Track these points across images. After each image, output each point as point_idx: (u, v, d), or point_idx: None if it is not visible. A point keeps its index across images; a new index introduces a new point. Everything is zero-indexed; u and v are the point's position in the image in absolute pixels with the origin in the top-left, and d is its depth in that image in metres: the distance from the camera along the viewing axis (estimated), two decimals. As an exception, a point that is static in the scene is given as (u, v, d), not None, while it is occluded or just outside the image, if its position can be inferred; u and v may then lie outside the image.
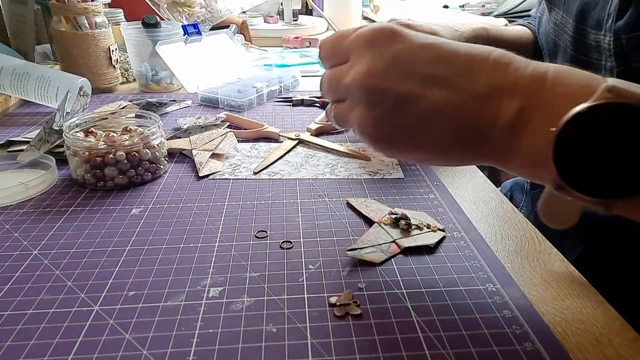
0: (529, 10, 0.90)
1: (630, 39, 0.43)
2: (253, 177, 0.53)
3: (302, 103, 0.79)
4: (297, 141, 0.62)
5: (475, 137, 0.30)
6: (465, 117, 0.29)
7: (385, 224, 0.42)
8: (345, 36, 0.33)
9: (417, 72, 0.30)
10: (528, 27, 0.70)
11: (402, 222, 0.42)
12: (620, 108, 0.24)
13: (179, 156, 0.59)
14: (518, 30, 0.69)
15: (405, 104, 0.30)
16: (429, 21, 0.57)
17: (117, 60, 0.86)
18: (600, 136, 0.24)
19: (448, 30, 0.58)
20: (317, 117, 0.68)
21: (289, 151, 0.60)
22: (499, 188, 0.77)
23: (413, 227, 0.42)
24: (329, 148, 0.60)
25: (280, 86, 0.85)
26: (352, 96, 0.32)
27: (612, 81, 0.24)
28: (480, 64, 0.29)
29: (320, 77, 0.36)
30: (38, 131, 0.56)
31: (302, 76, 0.92)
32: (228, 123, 0.66)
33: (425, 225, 0.42)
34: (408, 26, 0.39)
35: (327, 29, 1.45)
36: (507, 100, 0.28)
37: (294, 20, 1.44)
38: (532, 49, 0.67)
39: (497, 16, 1.50)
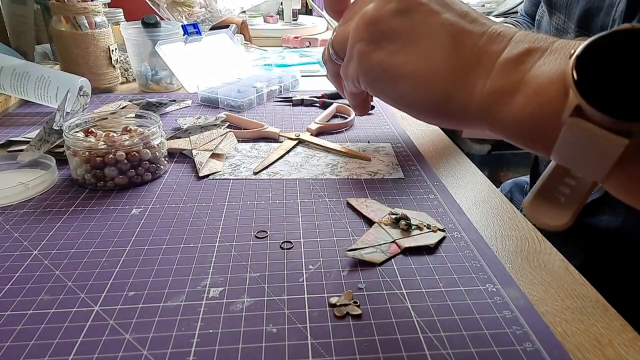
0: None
1: None
2: (253, 177, 0.53)
3: (302, 103, 0.79)
4: (297, 141, 0.62)
5: (471, 64, 0.27)
6: (464, 40, 0.28)
7: (385, 224, 0.42)
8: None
9: (382, 31, 0.30)
10: (514, 25, 0.70)
11: (402, 222, 0.42)
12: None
13: (179, 156, 0.59)
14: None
15: (408, 11, 0.30)
16: None
17: (117, 60, 0.86)
18: (620, 59, 0.22)
19: None
20: (317, 117, 0.68)
21: (288, 151, 0.60)
22: (499, 189, 0.77)
23: (413, 227, 0.42)
24: (329, 148, 0.60)
25: (280, 86, 0.84)
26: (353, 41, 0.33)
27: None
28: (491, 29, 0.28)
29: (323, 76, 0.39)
30: (38, 131, 0.56)
31: (302, 76, 0.92)
32: (228, 123, 0.66)
33: (425, 226, 0.42)
34: None
35: (327, 29, 1.45)
36: (515, 43, 0.27)
37: (293, 20, 1.44)
38: None
39: (497, 16, 1.50)
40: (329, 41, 0.38)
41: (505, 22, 0.76)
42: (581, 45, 0.23)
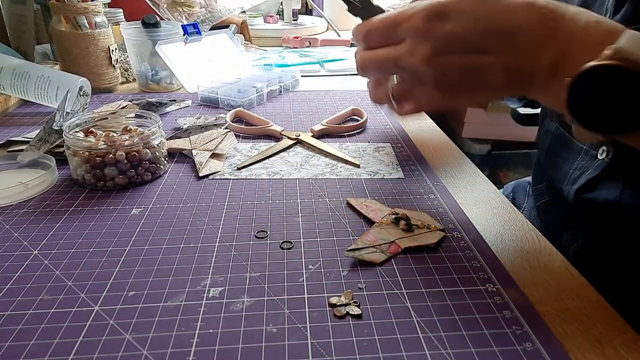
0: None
1: None
2: (253, 177, 0.53)
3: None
4: (294, 142, 0.62)
5: (522, 83, 0.36)
6: (514, 71, 0.35)
7: (385, 224, 0.42)
8: (395, 22, 0.38)
9: (471, 45, 0.35)
10: None
11: (402, 222, 0.42)
12: (618, 70, 0.30)
13: (179, 156, 0.59)
14: None
15: (467, 73, 0.36)
16: None
17: (117, 60, 0.86)
18: (602, 88, 0.31)
19: None
20: (330, 117, 0.68)
21: (280, 152, 0.59)
22: (501, 190, 0.77)
23: (413, 227, 0.42)
24: (323, 150, 0.59)
25: (280, 86, 0.85)
26: (416, 74, 0.38)
27: (624, 41, 0.30)
28: (525, 26, 0.35)
29: (354, 55, 0.43)
30: (38, 131, 0.56)
31: (302, 76, 0.92)
32: (228, 123, 0.66)
33: (425, 225, 0.42)
34: None
35: (327, 29, 1.45)
36: (547, 50, 0.34)
37: (293, 20, 1.44)
38: None
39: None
40: (391, 59, 0.39)
41: None
42: (574, 74, 0.31)
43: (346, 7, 0.44)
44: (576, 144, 0.53)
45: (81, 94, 0.61)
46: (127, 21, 0.96)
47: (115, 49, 0.86)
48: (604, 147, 0.49)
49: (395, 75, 0.43)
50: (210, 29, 1.09)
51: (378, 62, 0.40)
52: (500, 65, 0.35)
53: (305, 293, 0.35)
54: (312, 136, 0.63)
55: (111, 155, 0.49)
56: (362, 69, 0.42)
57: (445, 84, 0.37)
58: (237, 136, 0.63)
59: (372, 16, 0.41)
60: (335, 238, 0.42)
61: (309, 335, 0.31)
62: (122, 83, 0.93)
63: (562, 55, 0.34)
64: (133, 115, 0.57)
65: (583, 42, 0.33)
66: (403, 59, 0.38)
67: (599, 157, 0.49)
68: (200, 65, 0.88)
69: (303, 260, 0.39)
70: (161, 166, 0.53)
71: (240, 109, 0.71)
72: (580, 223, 0.55)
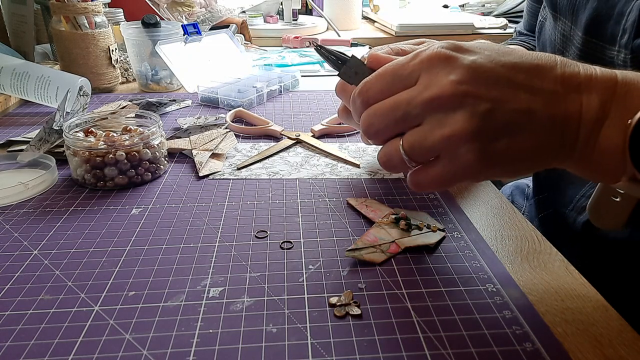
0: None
1: None
2: (253, 177, 0.53)
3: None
4: (294, 142, 0.62)
5: (564, 131, 0.30)
6: (554, 115, 0.30)
7: (385, 224, 0.42)
8: (402, 65, 0.32)
9: (501, 77, 0.30)
10: (524, 47, 0.69)
11: (402, 222, 0.42)
12: None
13: (179, 156, 0.59)
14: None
15: (498, 108, 0.29)
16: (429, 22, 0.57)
17: (117, 60, 0.86)
18: None
19: None
20: (329, 117, 0.68)
21: (280, 152, 0.59)
22: (499, 191, 0.77)
23: (413, 227, 0.42)
24: (323, 150, 0.59)
25: (280, 86, 0.85)
26: (436, 112, 0.30)
27: None
28: (551, 66, 0.31)
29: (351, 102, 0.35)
30: (38, 131, 0.56)
31: (302, 76, 0.92)
32: (228, 123, 0.66)
33: (425, 225, 0.42)
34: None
35: (327, 29, 1.45)
36: (587, 95, 0.30)
37: (293, 20, 1.44)
38: None
39: (497, 16, 1.50)
40: (396, 147, 0.32)
41: (517, 43, 0.74)
42: (636, 116, 0.28)
43: (336, 71, 0.39)
44: None
45: (81, 94, 0.61)
46: (127, 21, 0.96)
47: (115, 49, 0.86)
48: None
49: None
50: (210, 29, 1.09)
51: (388, 108, 0.32)
52: (536, 105, 0.29)
53: (305, 293, 0.35)
54: (312, 136, 0.63)
55: (111, 155, 0.49)
56: (368, 126, 0.33)
57: (477, 122, 0.29)
58: (237, 136, 0.64)
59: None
60: (335, 238, 0.42)
61: (309, 335, 0.31)
62: (122, 83, 0.93)
63: (605, 102, 0.30)
64: (133, 115, 0.57)
65: (627, 91, 0.30)
66: (415, 98, 0.30)
67: None
68: (200, 65, 0.88)
69: (303, 260, 0.39)
70: (161, 166, 0.53)
71: (240, 109, 0.71)
72: (587, 246, 0.54)
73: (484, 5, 1.62)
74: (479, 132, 0.29)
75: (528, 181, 0.76)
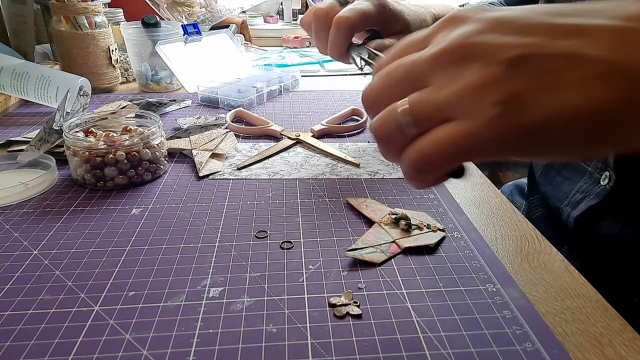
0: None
1: None
2: (253, 177, 0.53)
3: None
4: (294, 142, 0.62)
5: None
6: (615, 61, 0.21)
7: (385, 224, 0.42)
8: (416, 36, 0.27)
9: (536, 25, 0.23)
10: None
11: (402, 222, 0.42)
12: None
13: (179, 156, 0.59)
14: None
15: (527, 55, 0.22)
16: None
17: (117, 60, 0.86)
18: None
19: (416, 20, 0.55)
20: (329, 117, 0.68)
21: (280, 152, 0.59)
22: (499, 191, 0.77)
23: (413, 227, 0.42)
24: (323, 150, 0.59)
25: (280, 86, 0.85)
26: (446, 68, 0.24)
27: None
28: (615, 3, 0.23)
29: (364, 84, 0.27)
30: (38, 131, 0.56)
31: (302, 76, 0.92)
32: (228, 123, 0.66)
33: (425, 225, 0.42)
34: None
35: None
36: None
37: (293, 20, 1.44)
38: None
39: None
40: (403, 109, 0.25)
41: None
42: None
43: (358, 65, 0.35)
44: (581, 164, 0.52)
45: (81, 94, 0.61)
46: (127, 21, 0.96)
47: (115, 49, 0.86)
48: (607, 173, 0.48)
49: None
50: (210, 29, 1.09)
51: (392, 69, 0.26)
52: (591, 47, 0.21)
53: (305, 293, 0.35)
54: (312, 136, 0.63)
55: (111, 155, 0.49)
56: (368, 92, 0.27)
57: (497, 73, 0.22)
58: (237, 136, 0.64)
59: None
60: (335, 238, 0.42)
61: (309, 335, 0.31)
62: (122, 83, 0.93)
63: None
64: (133, 115, 0.57)
65: None
66: (427, 52, 0.24)
67: (602, 182, 0.48)
68: (200, 65, 0.88)
69: (303, 260, 0.39)
70: (161, 166, 0.53)
71: (240, 109, 0.71)
72: (577, 244, 0.54)
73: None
74: (503, 82, 0.22)
75: (526, 180, 0.76)
